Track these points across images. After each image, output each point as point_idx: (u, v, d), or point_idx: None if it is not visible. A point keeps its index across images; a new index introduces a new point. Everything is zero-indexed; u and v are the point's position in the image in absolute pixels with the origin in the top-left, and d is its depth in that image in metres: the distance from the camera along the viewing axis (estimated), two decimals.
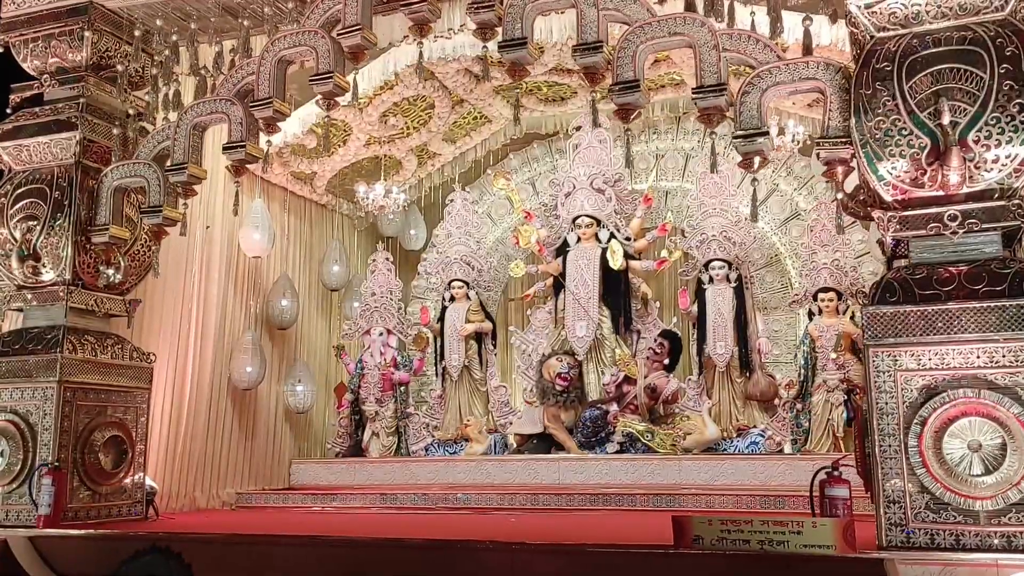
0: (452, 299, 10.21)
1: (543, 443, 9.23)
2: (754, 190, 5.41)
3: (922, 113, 4.48)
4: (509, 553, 4.67)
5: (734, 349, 8.83)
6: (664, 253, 9.43)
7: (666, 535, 4.49)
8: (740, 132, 4.99)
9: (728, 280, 9.01)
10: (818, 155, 4.91)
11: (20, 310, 7.06)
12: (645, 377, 8.90)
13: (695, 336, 9.23)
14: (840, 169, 4.82)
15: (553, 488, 8.26)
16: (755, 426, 8.68)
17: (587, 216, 9.45)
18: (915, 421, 4.29)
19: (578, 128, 10.00)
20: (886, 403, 4.39)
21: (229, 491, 8.98)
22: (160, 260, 7.33)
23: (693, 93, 5.13)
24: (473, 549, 4.76)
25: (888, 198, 4.58)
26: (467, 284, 10.19)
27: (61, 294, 6.78)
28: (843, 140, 4.76)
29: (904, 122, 4.51)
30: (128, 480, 7.03)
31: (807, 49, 5.18)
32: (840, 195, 4.95)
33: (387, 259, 10.55)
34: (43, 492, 6.21)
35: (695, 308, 9.14)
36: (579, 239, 9.55)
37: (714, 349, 8.87)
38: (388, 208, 10.31)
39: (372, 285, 10.39)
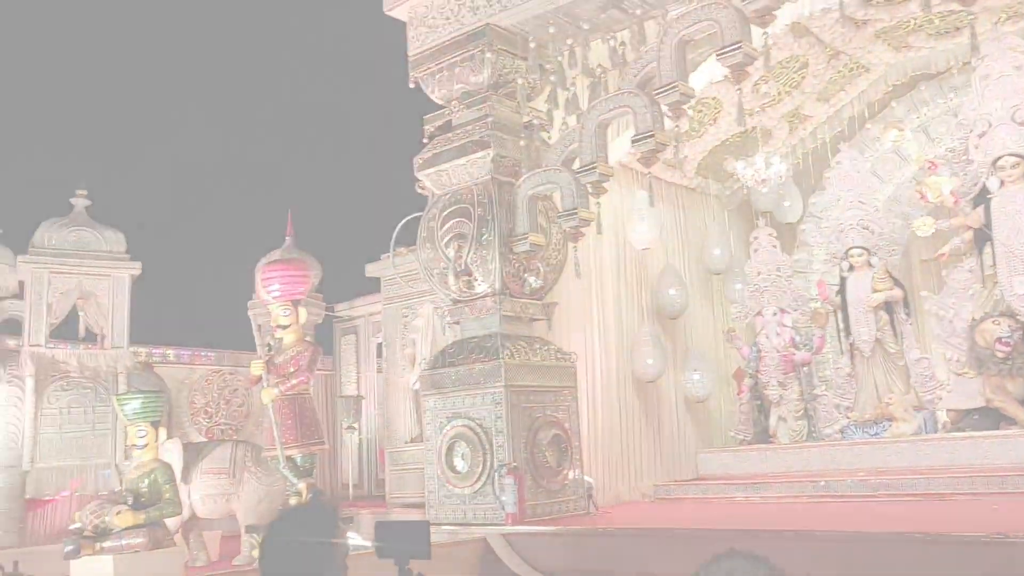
0: (851, 268, 9.43)
1: (986, 418, 8.22)
2: None
3: None
4: None
5: None
6: None
7: None
8: None
9: None
10: None
11: (457, 323, 7.57)
12: None
13: None
14: None
15: (1016, 468, 7.19)
16: None
17: (1014, 155, 8.21)
18: None
19: (982, 58, 8.71)
20: None
21: (647, 483, 9.01)
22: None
23: None
24: None
25: None
26: (867, 251, 9.36)
27: (492, 304, 7.17)
28: None
29: None
30: (570, 476, 7.26)
31: None
32: None
33: (770, 235, 10.03)
34: (507, 491, 6.57)
35: None
36: (1002, 183, 8.31)
37: None
38: (770, 180, 9.75)
39: (756, 264, 9.94)
